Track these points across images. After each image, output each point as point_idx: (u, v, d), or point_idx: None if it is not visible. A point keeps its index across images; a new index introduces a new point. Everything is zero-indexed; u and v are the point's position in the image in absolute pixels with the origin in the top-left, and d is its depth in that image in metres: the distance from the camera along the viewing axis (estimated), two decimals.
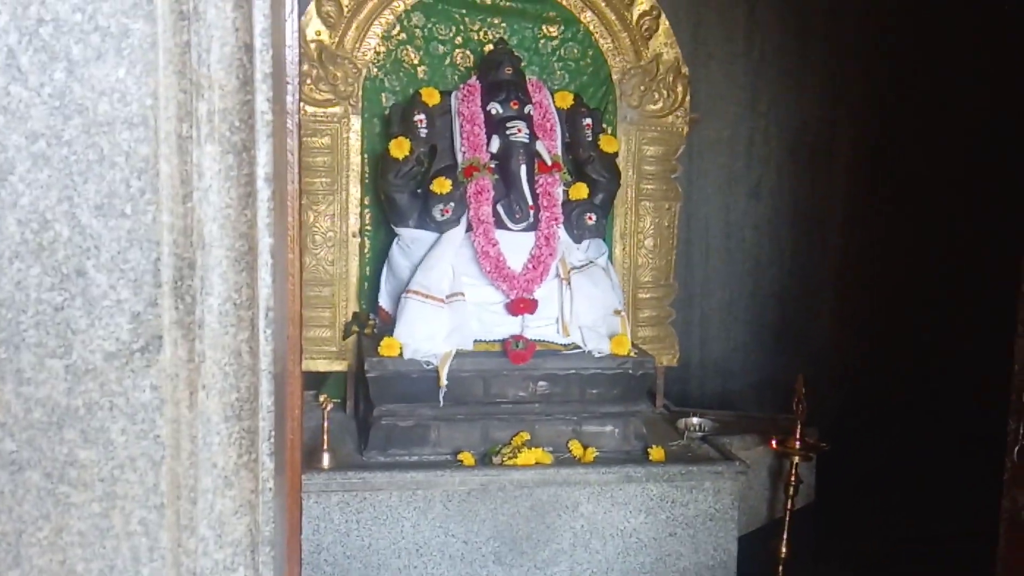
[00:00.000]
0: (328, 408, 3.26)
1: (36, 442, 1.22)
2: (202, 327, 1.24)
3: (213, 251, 1.24)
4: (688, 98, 4.03)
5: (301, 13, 3.62)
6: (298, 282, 1.75)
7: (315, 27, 3.72)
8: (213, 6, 1.21)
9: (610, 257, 3.89)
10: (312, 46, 3.72)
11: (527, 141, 3.52)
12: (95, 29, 1.18)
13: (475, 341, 3.42)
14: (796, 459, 3.48)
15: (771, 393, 4.41)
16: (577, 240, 3.64)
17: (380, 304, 3.71)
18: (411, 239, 3.59)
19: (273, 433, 1.34)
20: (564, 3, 3.92)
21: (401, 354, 3.31)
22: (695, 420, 3.83)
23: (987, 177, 4.46)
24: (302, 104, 3.65)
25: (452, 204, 3.50)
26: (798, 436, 3.47)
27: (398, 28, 3.82)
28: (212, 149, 1.22)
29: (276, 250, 1.35)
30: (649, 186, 4.03)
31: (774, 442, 3.52)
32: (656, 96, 3.99)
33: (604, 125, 3.89)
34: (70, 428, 1.22)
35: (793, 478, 3.48)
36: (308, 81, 3.71)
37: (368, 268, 3.85)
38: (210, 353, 1.25)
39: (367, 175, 3.81)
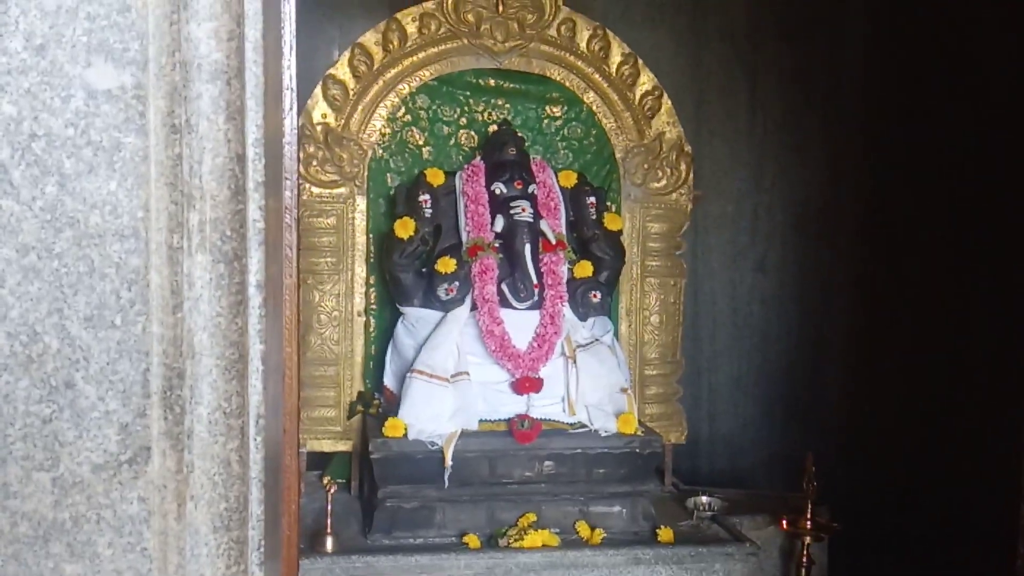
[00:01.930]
0: (332, 491, 3.23)
1: (22, 556, 1.21)
2: (191, 437, 1.24)
3: (203, 360, 1.24)
4: (691, 175, 4.06)
5: (302, 105, 3.68)
6: (295, 377, 1.74)
7: (321, 110, 3.76)
8: (205, 119, 1.22)
9: (616, 334, 3.88)
10: (318, 128, 3.74)
11: (531, 220, 3.52)
12: (87, 143, 1.19)
13: (480, 421, 3.38)
14: (807, 539, 3.42)
15: (782, 469, 4.35)
16: (582, 318, 3.62)
17: (385, 383, 3.67)
18: (416, 318, 3.57)
19: (263, 543, 1.32)
20: (567, 84, 3.93)
21: (406, 434, 3.27)
22: (704, 499, 3.77)
23: (988, 244, 4.45)
24: (308, 185, 3.73)
25: (457, 283, 3.49)
26: (809, 516, 3.41)
27: (403, 110, 3.86)
28: (203, 259, 1.23)
29: (268, 355, 1.35)
30: (654, 263, 4.04)
31: (785, 522, 3.46)
32: (659, 174, 4.02)
33: (608, 203, 3.92)
34: (56, 542, 1.21)
35: (805, 559, 3.42)
36: (314, 163, 3.74)
37: (373, 347, 3.85)
38: (199, 463, 1.24)
39: (372, 255, 3.84)
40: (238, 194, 1.25)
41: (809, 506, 3.41)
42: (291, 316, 1.68)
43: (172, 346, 1.21)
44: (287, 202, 1.63)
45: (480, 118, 3.94)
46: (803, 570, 3.41)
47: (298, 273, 1.72)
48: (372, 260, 3.83)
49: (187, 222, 1.22)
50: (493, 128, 3.88)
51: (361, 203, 3.82)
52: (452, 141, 3.92)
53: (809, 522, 3.41)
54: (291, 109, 1.65)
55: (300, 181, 3.59)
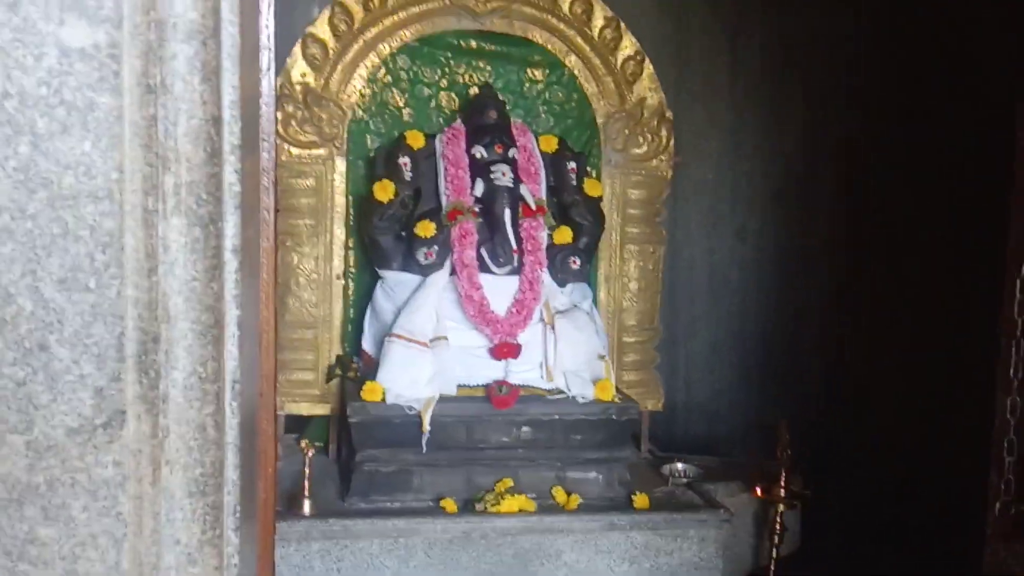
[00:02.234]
0: (310, 454, 3.24)
1: None
2: (166, 402, 1.23)
3: (178, 325, 1.23)
4: (672, 142, 4.07)
5: (280, 64, 3.66)
6: (272, 341, 1.73)
7: (300, 69, 3.75)
8: (181, 79, 1.21)
9: (594, 301, 3.91)
10: (297, 88, 3.74)
11: (511, 185, 3.56)
12: (60, 103, 1.17)
13: (458, 386, 3.43)
14: (781, 507, 3.46)
15: (758, 436, 4.38)
16: (561, 284, 3.67)
17: (363, 347, 3.71)
18: (395, 282, 3.60)
19: (239, 508, 1.32)
20: (549, 47, 3.96)
21: (384, 399, 3.33)
22: (680, 466, 3.82)
23: (973, 211, 4.48)
24: (286, 146, 3.70)
25: (436, 247, 3.53)
26: (783, 484, 3.46)
27: (383, 71, 3.85)
28: (178, 222, 1.22)
29: (244, 319, 1.34)
30: (633, 230, 4.05)
31: (759, 490, 3.50)
32: (640, 140, 4.02)
33: (588, 169, 3.93)
34: (30, 505, 1.21)
35: (778, 526, 3.47)
36: (293, 123, 3.73)
37: (352, 311, 3.86)
38: (174, 428, 1.24)
39: (351, 217, 3.84)
40: (214, 157, 1.24)
41: (783, 474, 3.45)
42: (268, 280, 1.67)
43: (147, 310, 1.20)
44: (264, 164, 1.61)
45: (461, 80, 3.94)
46: (776, 537, 3.46)
47: (276, 236, 1.71)
48: (351, 223, 3.83)
49: (162, 185, 1.20)
50: (474, 91, 3.90)
51: (340, 165, 3.81)
52: (433, 103, 3.92)
53: (783, 490, 3.45)
54: (268, 69, 1.62)
55: (278, 142, 3.61)
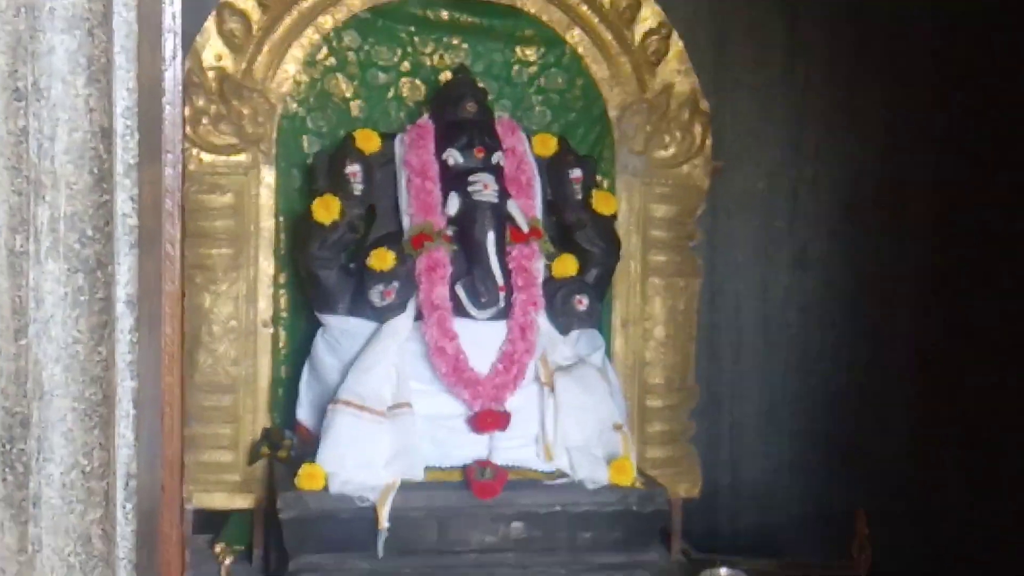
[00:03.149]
0: (227, 562, 3.23)
1: None
2: (38, 505, 1.24)
3: (55, 403, 1.24)
4: (709, 140, 4.06)
5: (189, 44, 3.67)
6: (178, 416, 1.75)
7: (214, 49, 3.76)
8: (60, 81, 1.23)
9: (608, 353, 3.89)
10: (210, 75, 3.76)
11: (496, 200, 3.57)
12: None
13: (427, 469, 3.40)
14: None
15: (826, 530, 4.39)
16: (563, 331, 3.68)
17: (299, 418, 3.71)
18: (341, 331, 3.61)
19: None
20: (544, 18, 3.99)
21: (327, 487, 3.30)
22: (724, 572, 3.80)
23: None
24: (196, 151, 3.73)
25: (396, 284, 3.54)
26: None
27: (325, 51, 3.86)
28: (55, 267, 1.23)
29: (142, 392, 1.36)
30: (659, 257, 4.05)
31: None
32: (667, 139, 4.03)
33: (599, 178, 3.93)
34: None
35: None
36: (204, 121, 3.75)
37: (284, 369, 3.86)
38: (49, 540, 1.25)
39: (283, 245, 3.83)
40: (102, 180, 1.26)
41: None
42: (173, 336, 1.69)
43: (13, 383, 1.22)
44: (168, 183, 1.63)
45: (429, 63, 3.94)
46: None
47: (183, 274, 1.73)
48: (283, 252, 3.83)
49: (34, 218, 1.22)
50: (446, 76, 3.90)
51: (268, 175, 3.81)
52: (391, 93, 3.93)
53: None
54: (174, 58, 1.65)
55: (187, 146, 3.61)
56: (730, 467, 4.82)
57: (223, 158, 3.78)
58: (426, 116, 3.79)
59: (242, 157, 3.79)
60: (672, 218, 4.08)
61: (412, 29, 3.93)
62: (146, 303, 1.38)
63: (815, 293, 4.89)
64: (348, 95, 3.90)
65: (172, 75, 1.63)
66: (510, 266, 3.58)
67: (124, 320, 1.31)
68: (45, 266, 1.24)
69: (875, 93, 4.81)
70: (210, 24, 3.75)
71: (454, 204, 3.58)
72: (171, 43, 1.61)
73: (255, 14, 3.78)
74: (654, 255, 4.05)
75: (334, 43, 3.87)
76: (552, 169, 3.81)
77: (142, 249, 1.34)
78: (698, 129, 4.06)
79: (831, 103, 4.83)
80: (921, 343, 4.83)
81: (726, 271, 4.78)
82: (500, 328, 3.55)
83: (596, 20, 3.98)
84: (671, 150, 4.05)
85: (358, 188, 3.64)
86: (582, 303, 3.69)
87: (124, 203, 1.30)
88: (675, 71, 4.04)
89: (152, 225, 1.48)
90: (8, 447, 1.24)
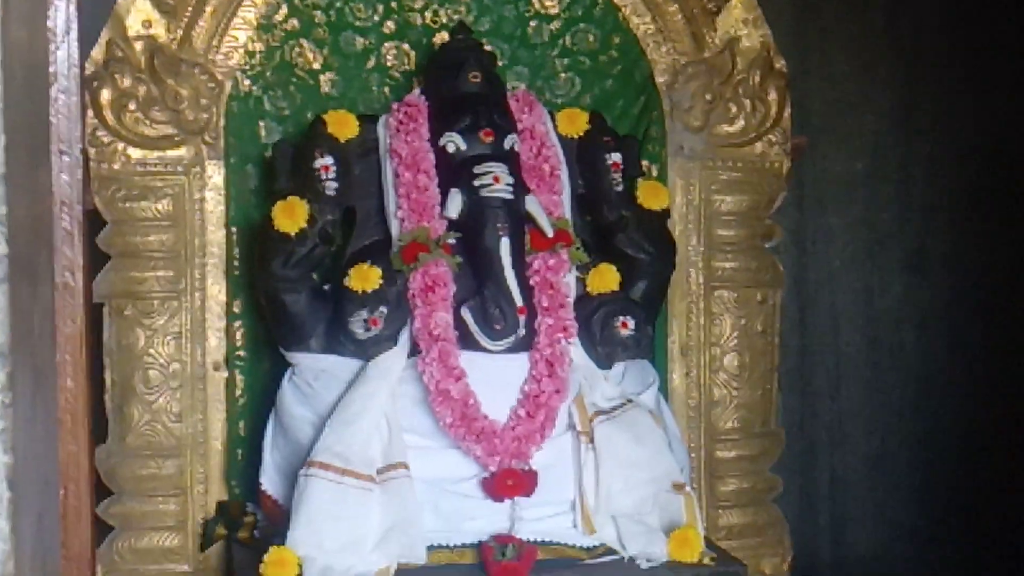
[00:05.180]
0: None
1: None
2: None
3: None
4: (788, 110, 4.07)
5: (104, 16, 3.67)
6: (87, 494, 1.74)
7: (142, 14, 3.72)
8: None
9: (664, 390, 3.91)
10: (138, 47, 3.72)
11: (510, 197, 3.53)
12: None
13: (430, 548, 3.38)
14: None
15: None
16: (604, 364, 3.69)
17: (263, 486, 3.68)
18: (315, 372, 3.60)
19: None
20: None
21: (301, 574, 3.25)
22: None
23: None
24: (121, 146, 3.77)
25: (384, 310, 3.51)
26: None
27: (285, 10, 3.87)
28: None
29: (22, 472, 1.34)
30: (727, 264, 4.08)
31: None
32: (733, 109, 4.06)
33: (644, 163, 3.96)
34: None
35: None
36: (132, 106, 3.74)
37: (242, 424, 3.88)
38: None
39: (237, 264, 3.86)
40: None
41: None
42: (76, 390, 1.68)
43: None
44: (64, 194, 1.63)
45: (419, 21, 3.96)
46: None
47: (87, 310, 1.73)
48: (237, 273, 3.85)
49: None
50: (442, 38, 3.92)
51: (216, 174, 3.85)
52: (371, 62, 3.95)
53: None
54: (68, 32, 1.65)
55: (108, 140, 3.70)
56: (830, 535, 4.82)
57: (157, 153, 3.79)
58: (417, 91, 3.79)
59: (181, 151, 3.82)
60: (743, 212, 4.10)
61: None
62: (26, 353, 1.37)
63: (936, 305, 4.89)
64: (316, 67, 3.92)
65: (65, 53, 1.62)
66: (531, 281, 3.58)
67: None
68: None
69: (1009, 43, 4.78)
70: None
71: (456, 203, 3.55)
72: (63, 11, 1.60)
73: None
74: (721, 261, 4.08)
75: (296, 0, 3.88)
76: (583, 154, 3.82)
77: (15, 283, 1.33)
78: (773, 95, 4.08)
79: (951, 59, 4.81)
80: None
81: (818, 279, 4.83)
82: (521, 362, 3.54)
83: None
84: (739, 124, 4.07)
85: (331, 187, 3.62)
86: (627, 326, 3.68)
87: None
88: (741, 21, 4.06)
89: (28, 253, 1.47)
90: None
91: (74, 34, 1.59)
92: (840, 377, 4.85)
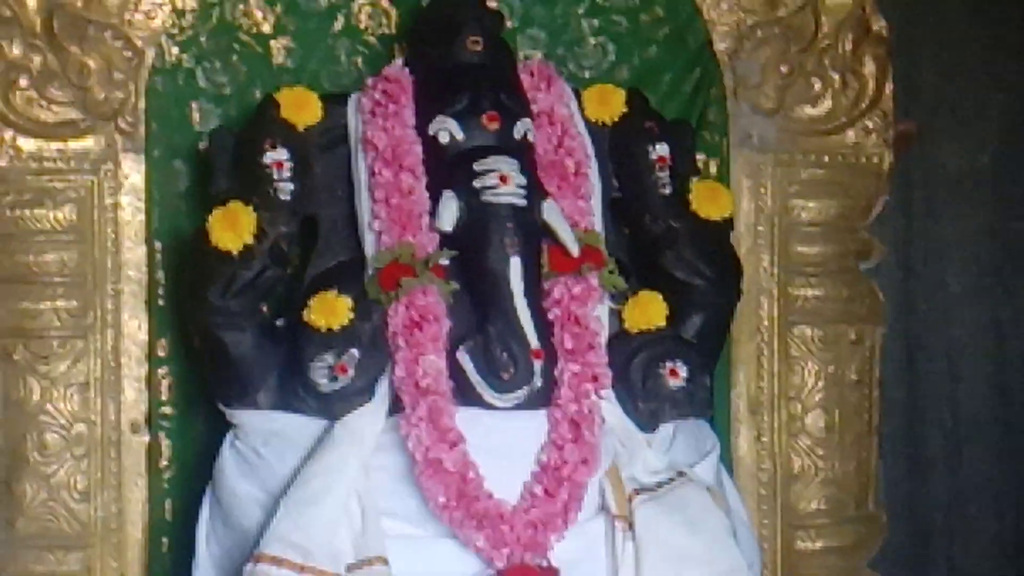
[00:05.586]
0: None
1: None
2: None
3: None
4: (890, 87, 4.06)
5: None
6: None
7: None
8: None
9: (726, 459, 3.86)
10: (31, 2, 3.75)
11: (522, 202, 3.44)
12: None
13: None
14: None
15: None
16: (647, 425, 3.60)
17: None
18: (263, 435, 3.53)
19: None
20: None
21: None
22: None
23: None
24: (12, 136, 3.75)
25: (355, 353, 3.43)
26: None
27: None
28: None
29: None
30: (810, 291, 4.08)
31: None
32: (816, 86, 4.06)
33: (699, 157, 3.94)
34: None
35: None
36: (24, 82, 3.75)
37: (168, 504, 3.85)
38: None
39: (162, 290, 3.83)
40: None
41: None
42: None
43: None
44: None
45: None
46: None
47: None
48: (162, 303, 3.83)
49: None
50: None
51: (134, 172, 3.85)
52: (338, 23, 3.98)
53: None
54: None
55: None
56: None
57: (56, 145, 3.79)
58: (399, 62, 3.73)
59: (89, 142, 3.80)
60: (831, 222, 4.11)
61: None
62: None
63: None
64: (266, 30, 3.92)
65: None
66: (550, 315, 3.50)
67: None
68: None
69: None
70: None
71: (451, 211, 3.44)
72: None
73: None
74: (801, 287, 4.10)
75: None
76: (620, 145, 3.75)
77: None
78: (870, 68, 4.09)
79: None
80: None
81: (931, 310, 4.78)
82: (537, 423, 3.45)
83: None
84: (824, 105, 4.08)
85: (286, 189, 3.56)
86: (677, 375, 3.61)
87: None
88: None
89: None
90: None
91: None
92: (960, 441, 4.82)
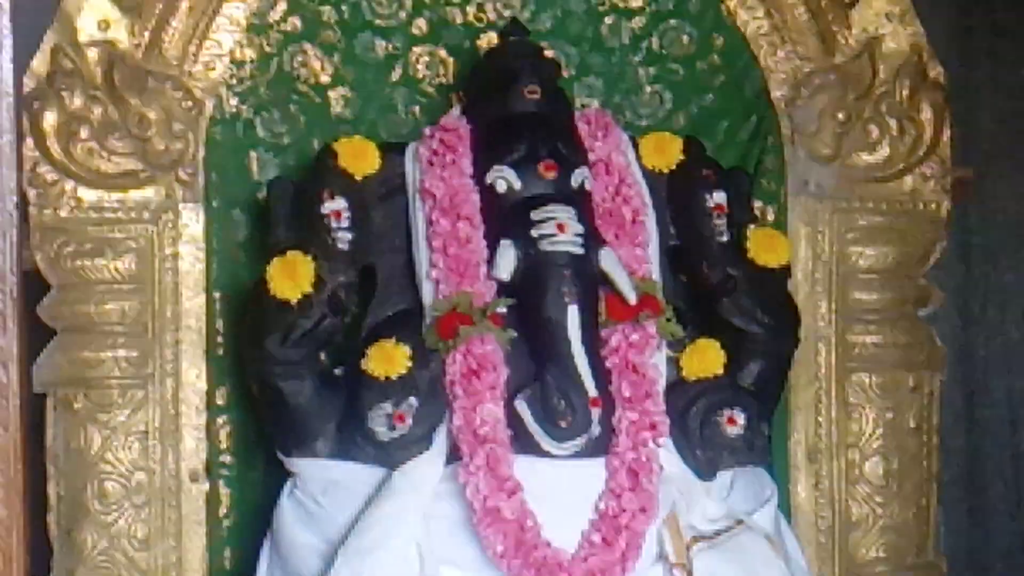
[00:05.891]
0: None
1: None
2: None
3: None
4: (948, 133, 4.04)
5: (48, 18, 3.63)
6: None
7: (97, 12, 3.73)
8: None
9: (784, 507, 3.86)
10: (92, 55, 3.73)
11: (580, 251, 3.45)
12: None
13: None
14: None
15: None
16: (706, 473, 3.60)
17: None
18: (322, 484, 3.53)
19: None
20: None
21: None
22: None
23: None
24: (72, 187, 3.74)
25: (413, 402, 3.44)
26: None
27: (283, 6, 3.87)
28: None
29: None
30: (868, 338, 4.06)
31: None
32: (874, 133, 4.04)
33: (757, 204, 3.95)
34: None
35: None
36: (84, 133, 3.73)
37: (228, 553, 3.86)
38: None
39: (221, 339, 3.83)
40: None
41: None
42: (7, 523, 1.61)
43: None
44: None
45: (459, 19, 3.98)
46: None
47: (25, 403, 1.66)
48: (221, 353, 3.83)
49: None
50: (489, 41, 3.92)
51: (193, 222, 3.84)
52: (396, 73, 3.97)
53: None
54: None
55: (54, 177, 3.76)
56: None
57: (117, 195, 3.78)
58: (456, 111, 3.74)
59: (148, 192, 3.80)
60: (889, 269, 4.09)
61: None
62: None
63: None
64: (324, 80, 3.92)
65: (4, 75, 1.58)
66: (608, 363, 3.49)
67: None
68: None
69: None
70: None
71: (508, 260, 3.45)
72: None
73: None
74: (859, 334, 4.07)
75: None
76: (677, 193, 3.77)
77: None
78: (928, 114, 4.06)
79: None
80: None
81: (990, 357, 4.75)
82: (595, 471, 3.45)
83: None
84: (882, 152, 4.06)
85: (344, 238, 3.56)
86: (735, 422, 3.60)
87: None
88: (884, 15, 4.07)
89: None
90: None
91: (8, 40, 1.52)
92: (1021, 488, 4.78)
